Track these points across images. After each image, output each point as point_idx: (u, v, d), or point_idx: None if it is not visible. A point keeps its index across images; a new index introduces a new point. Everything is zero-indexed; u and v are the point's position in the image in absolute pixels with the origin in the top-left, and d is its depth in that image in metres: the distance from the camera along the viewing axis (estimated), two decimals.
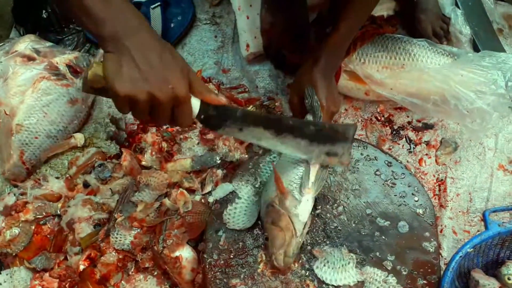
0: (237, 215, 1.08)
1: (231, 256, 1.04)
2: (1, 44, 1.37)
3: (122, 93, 0.80)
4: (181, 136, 1.33)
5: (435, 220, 1.09)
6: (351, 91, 1.34)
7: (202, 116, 0.91)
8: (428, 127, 1.32)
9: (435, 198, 1.23)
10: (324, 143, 1.00)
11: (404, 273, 1.01)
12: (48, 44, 1.39)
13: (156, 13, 1.38)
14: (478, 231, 1.18)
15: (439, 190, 1.24)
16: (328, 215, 1.07)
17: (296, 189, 1.01)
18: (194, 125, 1.29)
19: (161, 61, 0.82)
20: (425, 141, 1.30)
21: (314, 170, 1.03)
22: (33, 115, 1.28)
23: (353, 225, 1.07)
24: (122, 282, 1.11)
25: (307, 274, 1.02)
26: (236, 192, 1.12)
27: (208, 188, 1.21)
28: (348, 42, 1.19)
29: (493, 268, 1.09)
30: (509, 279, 1.02)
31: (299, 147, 1.00)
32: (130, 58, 0.80)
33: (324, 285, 1.00)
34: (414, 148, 1.29)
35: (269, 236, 0.99)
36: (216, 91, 1.14)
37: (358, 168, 1.14)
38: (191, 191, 1.21)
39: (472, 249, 1.02)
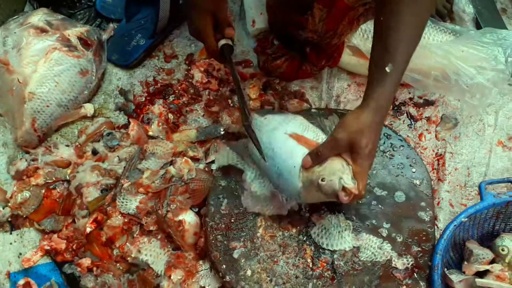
0: (255, 199, 1.09)
1: (232, 220, 1.08)
2: (15, 16, 1.40)
3: None
4: (187, 108, 1.36)
5: (432, 191, 1.12)
6: (354, 67, 1.37)
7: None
8: (429, 103, 1.34)
9: (433, 172, 1.25)
10: None
11: (399, 240, 1.05)
12: (60, 17, 1.42)
13: None
14: (474, 204, 1.20)
15: (438, 164, 1.27)
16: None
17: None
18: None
19: (192, 7, 1.10)
20: (425, 117, 1.32)
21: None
22: (45, 84, 1.31)
23: None
24: (127, 244, 1.15)
25: (304, 239, 1.06)
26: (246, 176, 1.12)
27: (211, 158, 1.25)
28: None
29: (488, 241, 1.11)
30: (502, 250, 1.04)
31: None
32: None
33: (320, 250, 1.04)
34: (414, 123, 1.32)
35: (324, 174, 0.93)
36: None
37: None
38: (195, 159, 1.25)
39: (466, 219, 1.05)
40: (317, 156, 0.97)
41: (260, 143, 1.07)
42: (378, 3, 0.98)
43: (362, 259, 1.03)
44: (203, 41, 1.15)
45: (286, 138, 1.05)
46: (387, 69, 0.89)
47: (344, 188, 0.89)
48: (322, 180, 0.92)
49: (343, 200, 0.89)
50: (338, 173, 0.91)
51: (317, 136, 1.05)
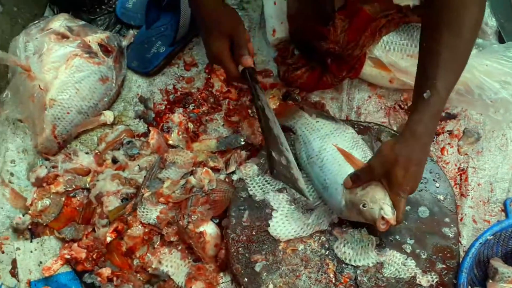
0: (283, 227, 1.09)
1: (253, 233, 1.07)
2: (36, 22, 1.40)
3: None
4: (207, 118, 1.36)
5: (456, 207, 1.11)
6: (376, 79, 1.36)
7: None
8: (451, 117, 1.33)
9: (456, 187, 1.24)
10: None
11: (423, 256, 1.04)
12: (81, 22, 1.42)
13: None
14: (498, 221, 1.19)
15: (460, 179, 1.25)
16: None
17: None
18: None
19: (207, 32, 1.08)
20: (447, 131, 1.31)
21: None
22: (66, 90, 1.31)
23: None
24: (148, 254, 1.15)
25: (326, 253, 1.05)
26: (271, 204, 1.11)
27: (232, 168, 1.24)
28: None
29: None
30: None
31: None
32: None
33: (343, 265, 1.04)
34: (436, 137, 1.31)
35: (366, 200, 0.97)
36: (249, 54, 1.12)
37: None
38: (215, 170, 1.24)
39: (491, 237, 1.04)
40: (357, 178, 0.99)
41: (309, 147, 1.12)
42: (422, 29, 0.96)
43: (385, 275, 1.02)
44: (222, 67, 1.13)
45: (336, 151, 1.08)
46: (425, 95, 0.87)
47: (383, 217, 0.93)
48: (363, 206, 0.96)
49: (380, 228, 0.94)
50: (379, 202, 0.95)
51: (365, 156, 1.07)
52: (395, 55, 1.31)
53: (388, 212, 0.93)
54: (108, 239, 1.17)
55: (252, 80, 1.10)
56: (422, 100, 0.88)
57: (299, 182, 1.03)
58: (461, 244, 1.15)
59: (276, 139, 1.07)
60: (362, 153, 1.09)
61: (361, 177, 0.99)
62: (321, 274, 1.03)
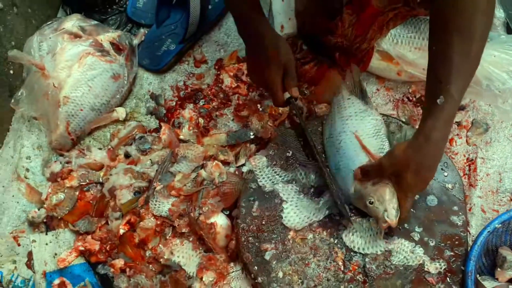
0: (295, 217, 1.10)
1: (263, 223, 1.09)
2: (49, 22, 1.44)
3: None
4: (217, 113, 1.38)
5: (464, 196, 1.11)
6: (384, 71, 1.37)
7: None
8: (459, 108, 1.33)
9: (465, 177, 1.24)
10: None
11: (432, 244, 1.04)
12: (93, 22, 1.45)
13: None
14: (507, 210, 1.19)
15: (469, 169, 1.26)
16: None
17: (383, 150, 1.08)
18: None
19: (267, 58, 1.10)
20: (456, 122, 1.31)
21: None
22: (79, 88, 1.35)
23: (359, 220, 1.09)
24: (160, 245, 1.17)
25: (335, 242, 1.06)
26: (280, 195, 1.13)
27: (241, 161, 1.26)
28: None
29: None
30: None
31: None
32: (248, 54, 1.19)
33: (352, 253, 1.04)
34: None
35: (373, 198, 0.99)
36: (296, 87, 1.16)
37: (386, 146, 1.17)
38: (225, 163, 1.26)
39: (500, 225, 1.04)
40: (366, 174, 1.02)
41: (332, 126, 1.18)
42: (430, 32, 0.94)
43: (394, 263, 1.03)
44: (271, 93, 1.16)
45: (353, 138, 1.12)
46: (438, 101, 0.87)
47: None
48: (370, 203, 1.00)
49: (381, 226, 0.99)
50: (385, 204, 0.97)
51: (382, 148, 1.10)
52: (403, 48, 1.32)
53: (392, 216, 0.96)
54: (121, 231, 1.19)
55: (297, 109, 1.21)
56: (436, 105, 0.87)
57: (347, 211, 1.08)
58: (470, 233, 1.16)
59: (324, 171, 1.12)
60: (381, 144, 1.11)
61: (370, 174, 1.01)
62: (330, 262, 1.04)
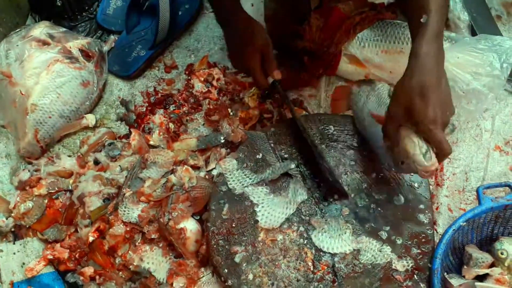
0: (270, 217, 1.10)
1: (233, 225, 1.09)
2: (17, 30, 1.42)
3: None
4: (188, 118, 1.38)
5: (430, 194, 1.13)
6: (352, 75, 1.38)
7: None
8: None
9: (431, 177, 1.26)
10: None
11: (399, 242, 1.06)
12: (62, 29, 1.44)
13: (164, 1, 1.42)
14: (471, 208, 1.21)
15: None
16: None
17: None
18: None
19: (241, 42, 1.17)
20: None
21: None
22: (47, 95, 1.33)
23: (351, 197, 1.11)
24: (129, 252, 1.16)
25: (305, 242, 1.07)
26: (250, 198, 1.13)
27: (212, 165, 1.26)
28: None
29: (487, 245, 1.12)
30: (502, 253, 1.05)
31: None
32: (227, 41, 1.25)
33: (321, 253, 1.05)
34: None
35: (401, 158, 0.95)
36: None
37: (355, 144, 1.18)
38: (196, 168, 1.26)
39: (465, 223, 1.06)
40: (386, 133, 0.99)
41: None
42: None
43: (362, 261, 1.04)
44: (253, 78, 1.20)
45: (371, 119, 1.14)
46: (422, 20, 0.89)
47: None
48: (402, 164, 0.95)
49: (425, 177, 0.94)
50: (411, 156, 0.92)
51: None
52: (370, 51, 1.34)
53: (422, 163, 0.90)
54: (91, 238, 1.18)
55: (282, 91, 1.24)
56: (421, 25, 0.89)
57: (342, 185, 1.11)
58: (437, 232, 1.17)
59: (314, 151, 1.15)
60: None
61: (388, 130, 0.97)
62: (300, 263, 1.04)
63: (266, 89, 1.24)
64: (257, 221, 1.09)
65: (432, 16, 0.89)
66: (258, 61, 1.17)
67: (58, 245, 1.20)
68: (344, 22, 1.34)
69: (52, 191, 1.27)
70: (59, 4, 1.52)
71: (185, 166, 1.24)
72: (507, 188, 1.12)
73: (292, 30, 1.39)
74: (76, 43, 1.42)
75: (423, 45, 0.89)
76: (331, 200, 1.11)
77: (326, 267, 1.04)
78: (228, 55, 1.27)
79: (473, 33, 1.45)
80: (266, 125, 1.32)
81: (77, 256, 1.18)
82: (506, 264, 1.04)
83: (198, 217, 1.18)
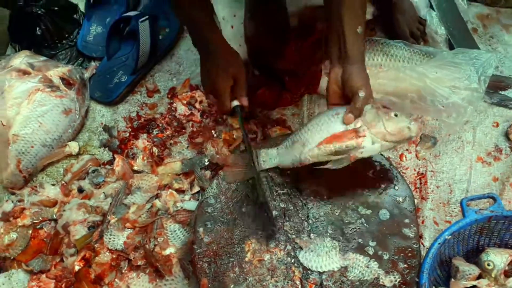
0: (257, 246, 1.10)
1: (220, 246, 1.08)
2: None
3: None
4: (171, 141, 1.38)
5: (415, 208, 1.13)
6: None
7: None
8: None
9: (416, 191, 1.27)
10: None
11: (386, 257, 1.05)
12: (42, 58, 1.45)
13: (144, 26, 1.43)
14: (456, 221, 1.22)
15: (420, 183, 1.28)
16: (312, 205, 1.12)
17: None
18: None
19: (216, 67, 1.19)
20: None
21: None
22: (29, 125, 1.33)
23: (336, 214, 1.11)
24: (116, 280, 1.15)
25: (292, 261, 1.06)
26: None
27: (196, 188, 1.26)
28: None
29: (474, 257, 1.11)
30: (488, 265, 1.04)
31: None
32: (202, 62, 1.25)
33: (309, 271, 1.05)
34: None
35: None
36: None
37: None
38: (180, 191, 1.26)
39: (450, 236, 1.06)
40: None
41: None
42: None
43: (350, 278, 1.03)
44: (219, 100, 1.22)
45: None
46: (359, 31, 1.03)
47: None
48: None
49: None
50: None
51: None
52: None
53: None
54: (76, 267, 1.16)
55: (241, 117, 1.23)
56: (356, 34, 1.04)
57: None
58: (424, 246, 1.17)
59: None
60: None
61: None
62: (287, 282, 1.04)
63: (226, 113, 1.26)
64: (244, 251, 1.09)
65: (363, 27, 1.05)
66: (229, 85, 1.19)
67: (43, 275, 1.18)
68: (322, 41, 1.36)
69: (36, 221, 1.26)
70: (39, 33, 1.53)
71: (170, 190, 1.24)
72: (491, 199, 1.13)
73: (273, 51, 1.40)
74: (56, 71, 1.42)
75: (361, 48, 1.06)
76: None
77: (314, 285, 1.03)
78: (201, 74, 1.28)
79: (451, 46, 1.47)
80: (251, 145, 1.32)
81: (63, 286, 1.16)
82: (493, 275, 1.04)
83: None
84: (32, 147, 1.34)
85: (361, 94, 1.01)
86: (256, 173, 1.13)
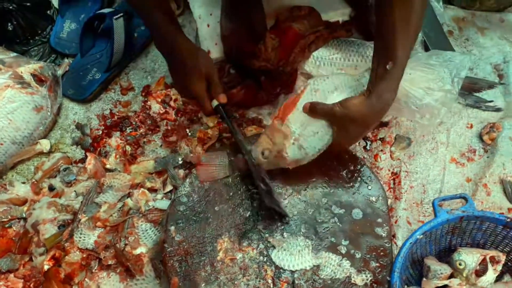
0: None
1: (191, 245, 1.07)
2: None
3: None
4: (145, 139, 1.36)
5: (388, 207, 1.14)
6: None
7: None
8: (383, 125, 1.37)
9: (390, 191, 1.27)
10: None
11: (358, 256, 1.06)
12: (13, 54, 1.42)
13: (119, 23, 1.42)
14: (428, 221, 1.22)
15: (394, 183, 1.29)
16: (285, 204, 1.12)
17: None
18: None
19: (186, 70, 1.15)
20: (380, 138, 1.35)
21: None
22: None
23: (310, 213, 1.11)
24: (86, 279, 1.13)
25: (265, 260, 1.05)
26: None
27: (169, 187, 1.25)
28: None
29: (446, 256, 1.12)
30: (460, 264, 1.05)
31: None
32: (170, 68, 1.22)
33: (281, 270, 1.04)
34: (370, 145, 1.34)
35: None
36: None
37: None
38: (153, 190, 1.24)
39: (422, 236, 1.06)
40: (314, 110, 1.06)
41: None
42: (375, 5, 1.04)
43: (322, 277, 1.03)
44: (199, 103, 1.19)
45: None
46: (388, 67, 0.97)
47: None
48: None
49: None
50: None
51: None
52: (326, 69, 1.36)
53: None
54: (46, 267, 1.14)
55: (226, 114, 1.20)
56: (386, 69, 0.97)
57: (281, 205, 1.09)
58: (397, 245, 1.18)
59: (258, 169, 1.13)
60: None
61: (318, 111, 1.06)
62: (259, 281, 1.03)
63: (211, 115, 1.24)
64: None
65: (397, 64, 0.97)
66: (204, 87, 1.17)
67: (11, 275, 1.16)
68: (298, 41, 1.35)
69: (4, 219, 1.23)
70: (10, 29, 1.50)
71: (142, 189, 1.22)
72: (463, 199, 1.13)
73: (249, 50, 1.39)
74: (28, 68, 1.39)
75: (387, 91, 1.00)
76: (269, 224, 1.11)
77: (286, 284, 1.02)
78: (174, 82, 1.25)
79: (426, 48, 1.48)
80: (226, 144, 1.32)
81: (32, 286, 1.14)
82: (464, 274, 1.04)
83: None
84: (2, 144, 1.31)
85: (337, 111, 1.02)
86: (251, 165, 1.13)
